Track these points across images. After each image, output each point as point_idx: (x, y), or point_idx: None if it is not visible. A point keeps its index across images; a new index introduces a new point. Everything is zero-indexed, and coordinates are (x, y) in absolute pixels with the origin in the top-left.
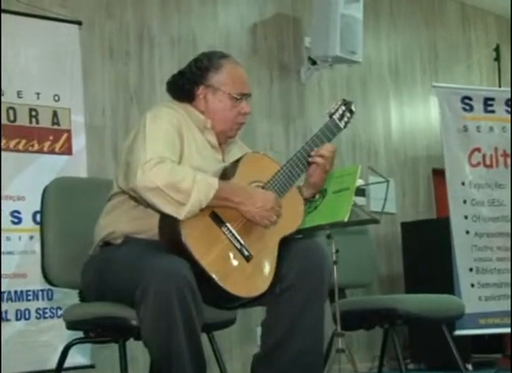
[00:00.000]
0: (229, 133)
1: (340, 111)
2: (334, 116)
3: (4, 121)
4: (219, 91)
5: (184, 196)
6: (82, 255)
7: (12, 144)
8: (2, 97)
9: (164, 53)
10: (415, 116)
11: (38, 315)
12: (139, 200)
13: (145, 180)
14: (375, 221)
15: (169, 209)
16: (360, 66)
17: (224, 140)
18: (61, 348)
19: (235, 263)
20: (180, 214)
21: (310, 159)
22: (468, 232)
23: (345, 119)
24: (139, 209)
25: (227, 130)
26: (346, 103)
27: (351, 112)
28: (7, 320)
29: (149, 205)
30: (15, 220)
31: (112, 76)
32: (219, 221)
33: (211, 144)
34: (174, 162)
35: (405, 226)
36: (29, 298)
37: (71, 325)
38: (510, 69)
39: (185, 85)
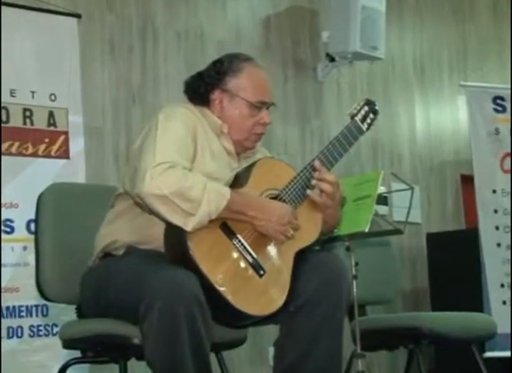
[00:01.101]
0: (245, 143)
1: (363, 112)
2: (356, 118)
3: None
4: (237, 97)
5: (193, 205)
6: (80, 267)
7: (4, 146)
8: None
9: (169, 48)
10: (441, 117)
11: (32, 333)
12: (143, 206)
13: (152, 186)
14: (398, 232)
15: (176, 219)
16: (382, 63)
17: (242, 150)
18: (56, 369)
19: (246, 278)
20: (188, 225)
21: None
22: (499, 245)
23: (368, 120)
24: (144, 217)
25: (243, 140)
26: (369, 103)
27: (375, 113)
28: None
29: (153, 213)
30: (8, 229)
31: (113, 74)
32: (229, 232)
33: (227, 151)
34: (186, 169)
35: (431, 237)
36: (22, 314)
37: (68, 344)
38: (510, 65)
39: (200, 88)
